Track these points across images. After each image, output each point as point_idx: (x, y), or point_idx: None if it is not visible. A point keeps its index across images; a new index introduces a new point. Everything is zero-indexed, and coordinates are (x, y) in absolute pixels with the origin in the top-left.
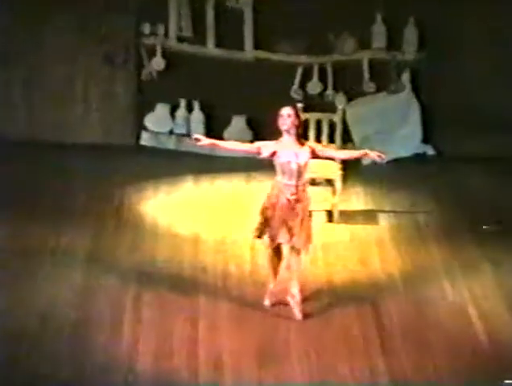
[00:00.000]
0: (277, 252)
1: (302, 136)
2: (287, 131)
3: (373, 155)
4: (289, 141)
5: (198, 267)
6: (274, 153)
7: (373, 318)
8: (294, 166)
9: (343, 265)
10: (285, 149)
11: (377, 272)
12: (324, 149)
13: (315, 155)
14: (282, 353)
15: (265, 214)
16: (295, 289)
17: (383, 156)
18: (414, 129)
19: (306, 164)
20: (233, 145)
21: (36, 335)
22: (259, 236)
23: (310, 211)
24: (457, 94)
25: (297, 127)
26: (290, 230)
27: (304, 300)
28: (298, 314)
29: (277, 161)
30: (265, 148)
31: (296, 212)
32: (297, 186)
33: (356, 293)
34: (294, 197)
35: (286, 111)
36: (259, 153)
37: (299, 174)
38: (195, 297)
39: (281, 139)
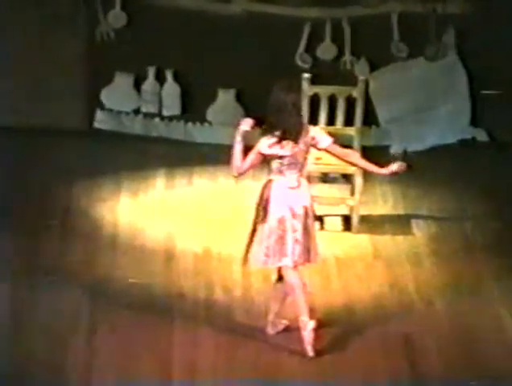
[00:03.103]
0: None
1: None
2: None
3: (387, 171)
4: None
5: (173, 291)
6: None
7: (404, 358)
8: None
9: (365, 288)
10: None
11: (410, 297)
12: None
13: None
14: None
15: None
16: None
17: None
18: (459, 108)
19: None
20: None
21: None
22: None
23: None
24: None
25: None
26: None
27: (316, 333)
28: (309, 349)
29: None
30: None
31: None
32: None
33: (383, 324)
34: None
35: None
36: None
37: None
38: (168, 333)
39: None
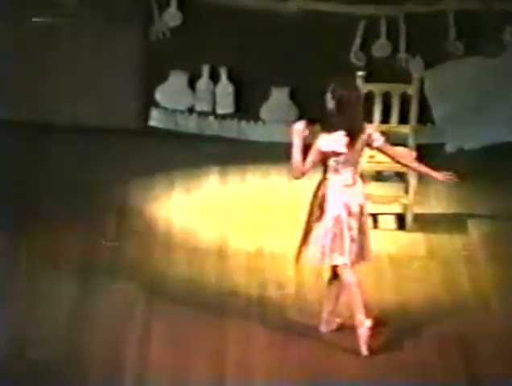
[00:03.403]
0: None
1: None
2: None
3: (439, 176)
4: None
5: (226, 289)
6: None
7: (459, 358)
8: None
9: (419, 287)
10: None
11: (465, 296)
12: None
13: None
14: None
15: None
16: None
17: (451, 178)
18: None
19: None
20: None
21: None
22: None
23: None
24: None
25: None
26: None
27: (371, 332)
28: (363, 348)
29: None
30: None
31: None
32: None
33: (437, 324)
34: None
35: None
36: None
37: None
38: (221, 330)
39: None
